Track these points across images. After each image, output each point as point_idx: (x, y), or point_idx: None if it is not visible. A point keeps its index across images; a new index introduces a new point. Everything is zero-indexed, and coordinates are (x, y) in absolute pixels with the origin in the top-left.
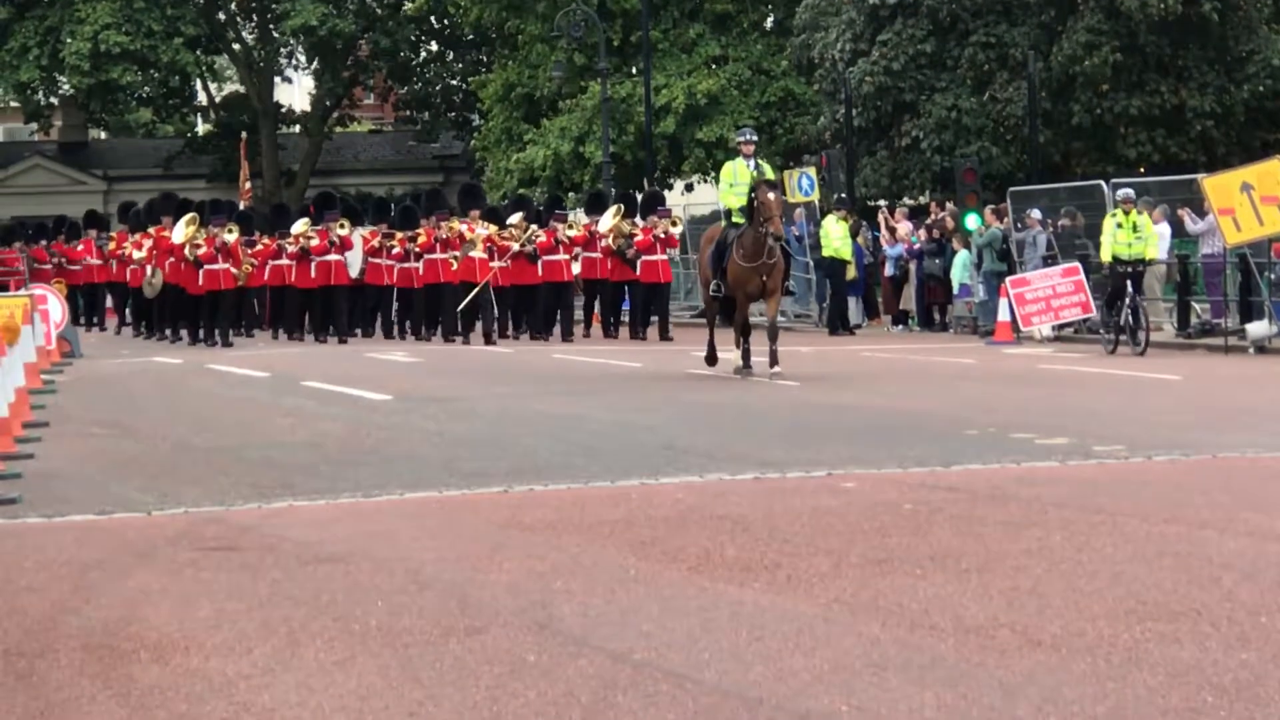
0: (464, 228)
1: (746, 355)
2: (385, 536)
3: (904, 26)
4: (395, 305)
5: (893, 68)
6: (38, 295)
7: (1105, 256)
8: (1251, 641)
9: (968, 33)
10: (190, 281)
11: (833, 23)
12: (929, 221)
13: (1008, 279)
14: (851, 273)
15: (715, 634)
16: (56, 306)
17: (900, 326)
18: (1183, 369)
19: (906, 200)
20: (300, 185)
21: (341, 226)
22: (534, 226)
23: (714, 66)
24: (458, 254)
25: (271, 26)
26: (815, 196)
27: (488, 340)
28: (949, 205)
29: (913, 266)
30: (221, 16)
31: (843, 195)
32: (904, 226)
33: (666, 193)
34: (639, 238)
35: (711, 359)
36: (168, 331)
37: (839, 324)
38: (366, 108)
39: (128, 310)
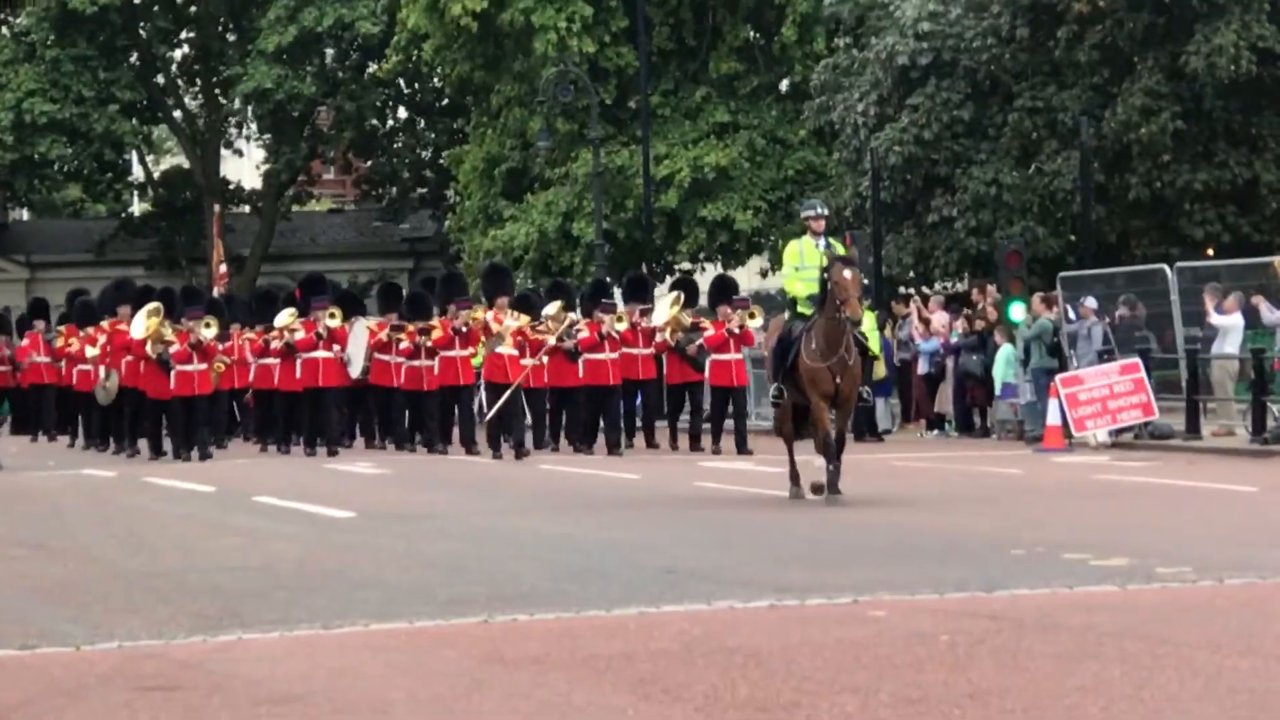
0: (488, 318)
1: (833, 479)
2: (348, 674)
3: (937, 89)
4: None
5: (924, 136)
6: None
7: None
8: None
9: (1011, 96)
10: (153, 384)
11: (855, 83)
12: (969, 312)
13: (1058, 377)
14: (880, 370)
15: None
16: None
17: (936, 432)
18: (1258, 479)
19: (941, 287)
20: (250, 272)
21: (331, 316)
22: (574, 317)
23: (721, 135)
24: (479, 350)
25: (218, 92)
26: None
27: (519, 453)
28: (991, 291)
29: (949, 363)
30: (161, 80)
31: (866, 283)
32: (939, 317)
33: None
34: (709, 332)
35: (795, 481)
36: (127, 444)
37: (866, 429)
38: (326, 183)
39: (79, 419)
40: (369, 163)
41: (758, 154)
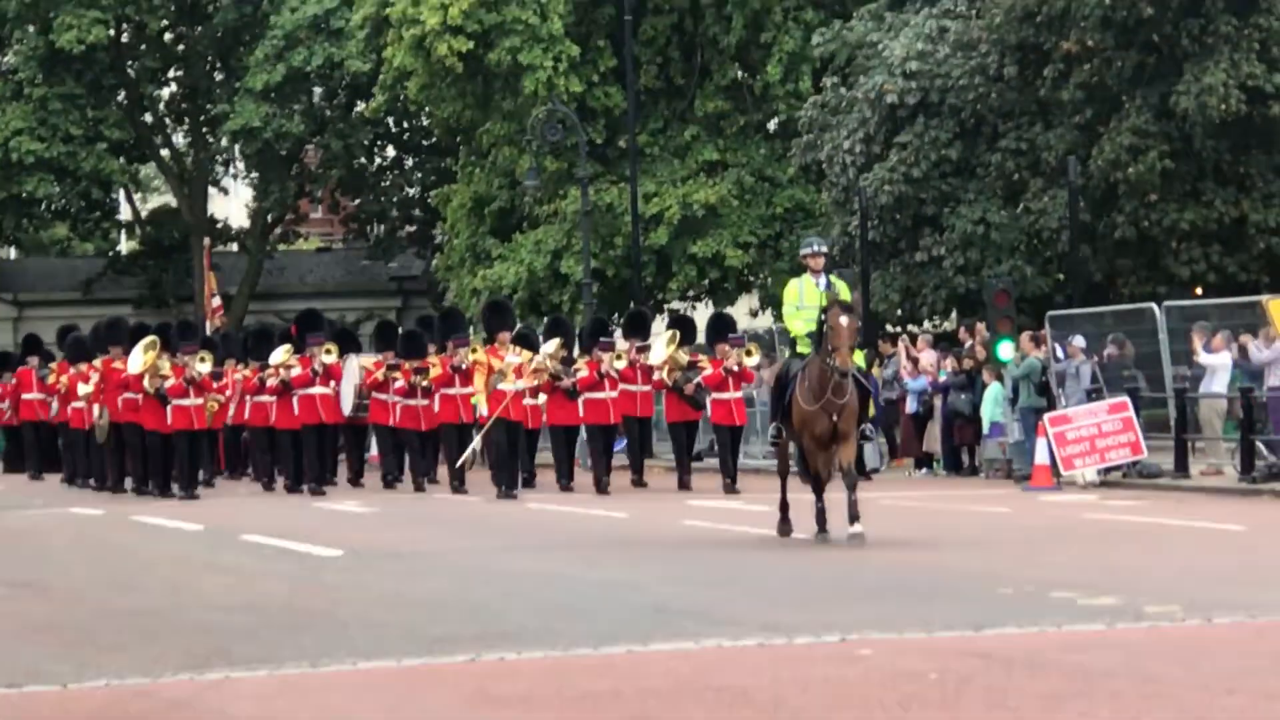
0: (482, 355)
1: (821, 517)
2: (336, 712)
3: (925, 128)
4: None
5: (913, 175)
6: None
7: None
8: None
9: (996, 135)
10: (150, 418)
11: (843, 122)
12: (957, 350)
13: (1046, 416)
14: (869, 409)
15: None
16: None
17: (924, 470)
18: (1247, 518)
19: (929, 325)
20: (237, 311)
21: (328, 353)
22: (574, 356)
23: (710, 173)
24: (482, 390)
25: (206, 130)
26: None
27: (508, 493)
28: (981, 330)
29: (937, 402)
30: (149, 119)
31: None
32: (927, 356)
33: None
34: (707, 371)
35: (785, 524)
36: (112, 481)
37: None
38: (314, 222)
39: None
40: (357, 201)
41: (746, 191)
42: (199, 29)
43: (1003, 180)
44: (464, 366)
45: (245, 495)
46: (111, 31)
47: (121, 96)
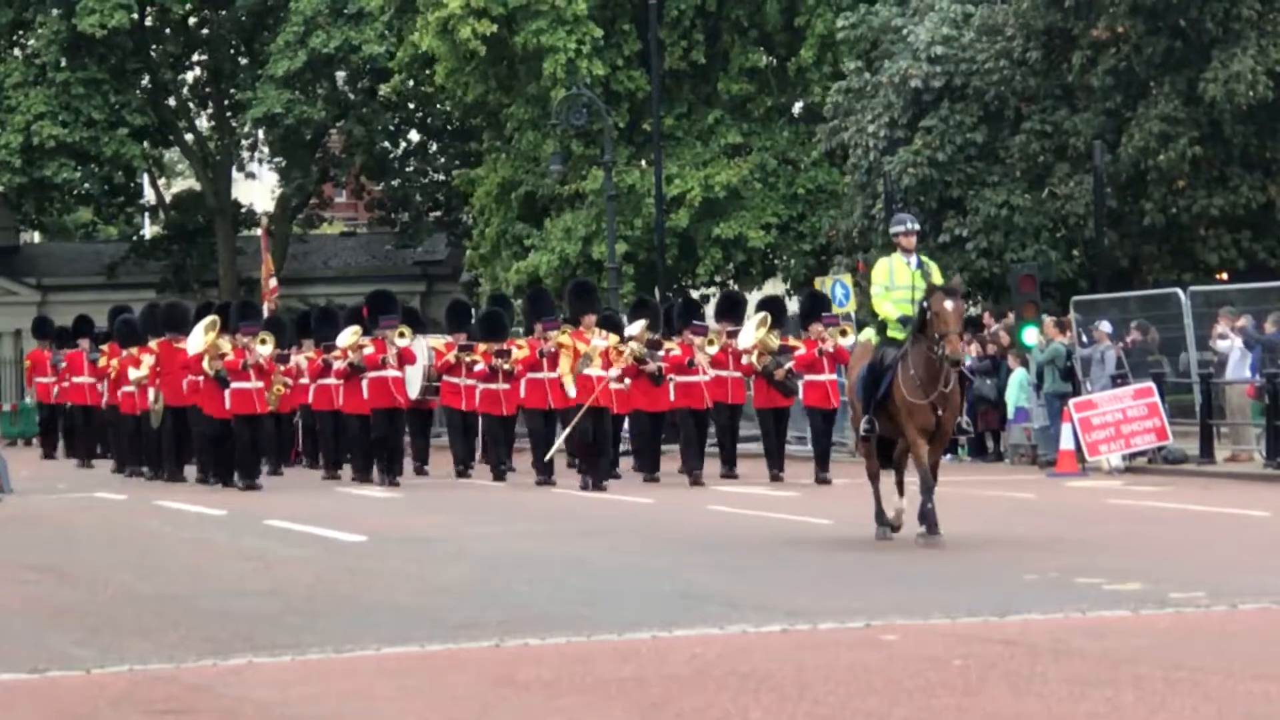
0: (568, 338)
1: (929, 516)
2: (359, 698)
3: (950, 112)
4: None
5: (938, 158)
6: None
7: None
8: None
9: (1020, 119)
10: (208, 402)
11: (868, 106)
12: (982, 335)
13: (1071, 401)
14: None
15: None
16: None
17: (949, 455)
18: (1272, 504)
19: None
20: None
21: (401, 335)
22: (659, 338)
23: (734, 156)
24: (568, 373)
25: (229, 115)
26: (851, 307)
27: (599, 480)
28: (1007, 316)
29: None
30: (172, 103)
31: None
32: None
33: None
34: (800, 351)
35: (882, 521)
36: (170, 469)
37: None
38: (338, 207)
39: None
40: (380, 186)
41: (769, 174)
42: (222, 13)
43: (1026, 163)
44: (552, 350)
45: (311, 485)
46: (135, 16)
47: (145, 81)
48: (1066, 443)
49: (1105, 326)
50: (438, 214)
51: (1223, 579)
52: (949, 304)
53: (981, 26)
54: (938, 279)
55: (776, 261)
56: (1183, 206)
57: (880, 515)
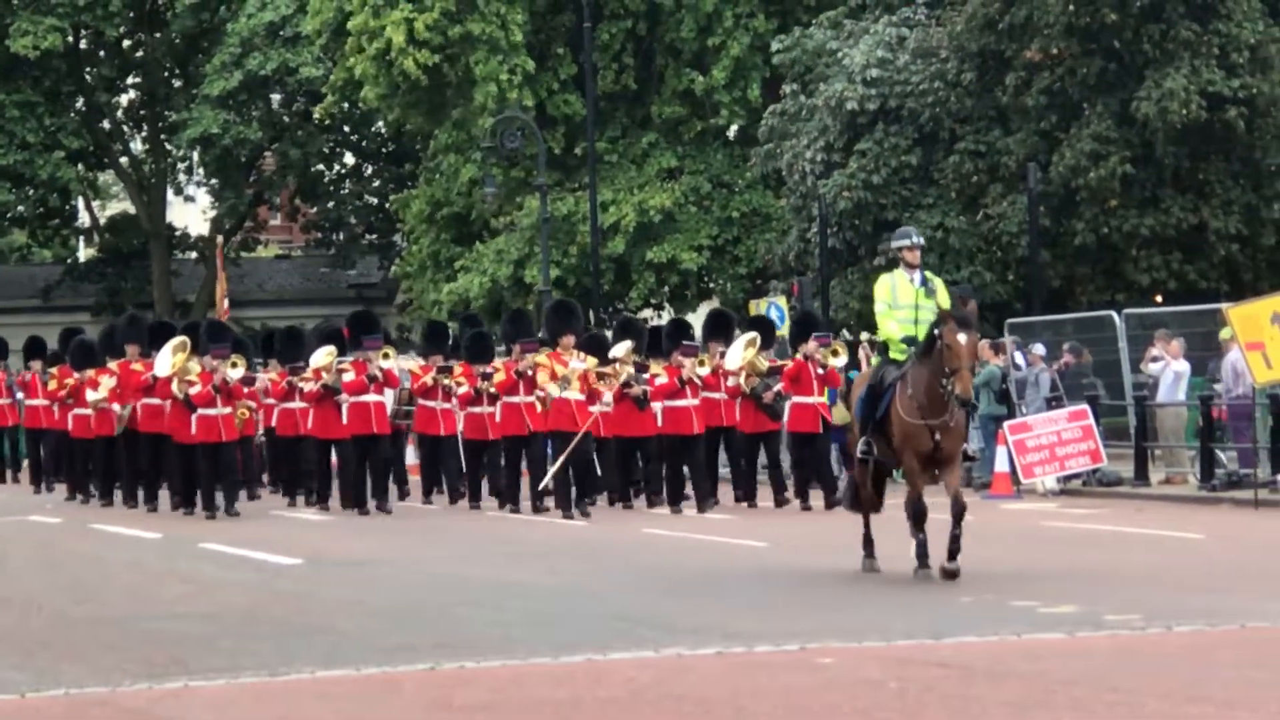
0: (545, 359)
1: (923, 549)
2: None
3: (885, 134)
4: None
5: (873, 181)
6: None
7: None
8: None
9: (954, 139)
10: (180, 428)
11: (803, 130)
12: None
13: (1006, 424)
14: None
15: None
16: None
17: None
18: (1207, 526)
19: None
20: (196, 318)
21: (385, 357)
22: (644, 361)
23: (668, 180)
24: (544, 395)
25: (164, 137)
26: (785, 329)
27: (575, 509)
28: None
29: None
30: (107, 126)
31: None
32: None
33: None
34: (789, 368)
35: (871, 558)
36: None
37: (813, 476)
38: (273, 230)
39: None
40: (315, 208)
41: (703, 197)
42: (156, 36)
43: (960, 183)
44: (529, 372)
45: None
46: (69, 38)
47: (79, 104)
48: (1001, 465)
49: (1039, 349)
50: (372, 237)
51: (1158, 601)
52: (962, 337)
53: (916, 49)
54: (944, 298)
55: (712, 285)
56: (1114, 226)
57: (868, 545)
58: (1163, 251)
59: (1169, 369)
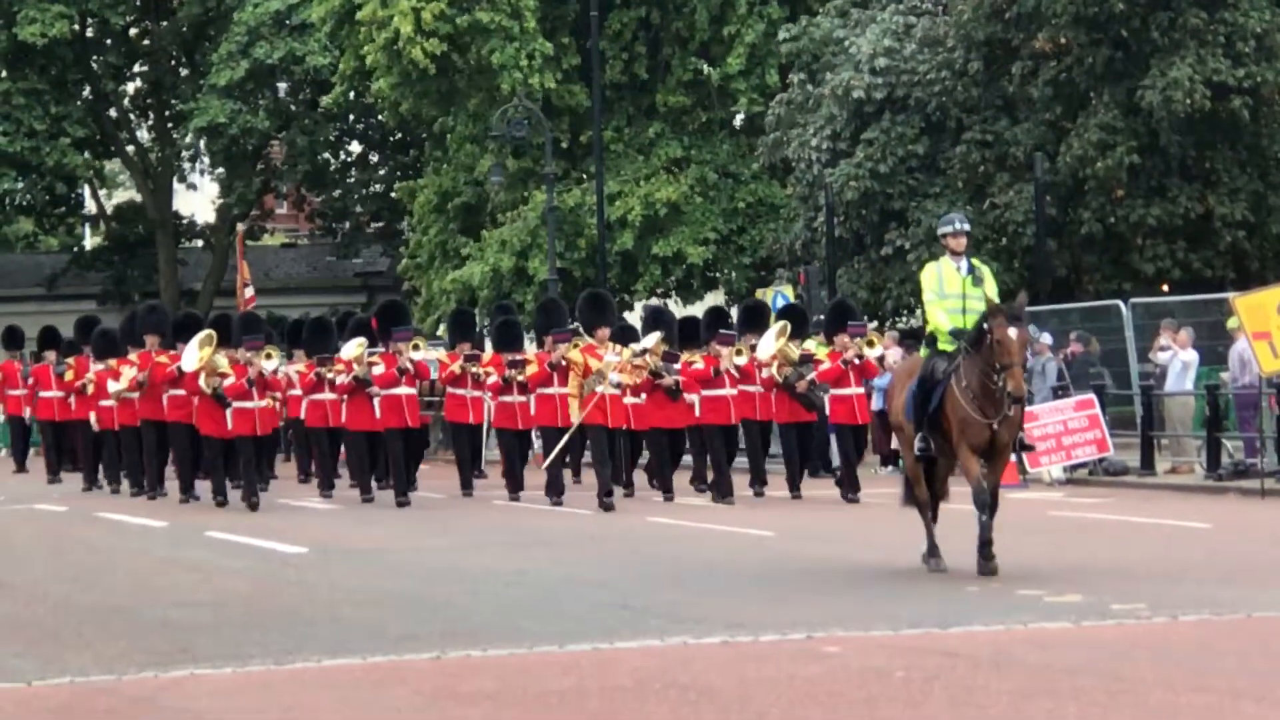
0: (578, 354)
1: (935, 548)
2: (300, 710)
3: (892, 123)
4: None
5: (879, 170)
6: None
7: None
8: None
9: (961, 129)
10: (207, 421)
11: (810, 119)
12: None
13: None
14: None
15: None
16: None
17: (889, 468)
18: (1213, 515)
19: (894, 321)
20: (203, 307)
21: (415, 348)
22: (675, 351)
23: (675, 170)
24: (578, 388)
25: (171, 126)
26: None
27: (605, 499)
28: None
29: None
30: (113, 114)
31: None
32: (893, 353)
33: (627, 314)
34: (824, 365)
35: (935, 552)
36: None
37: (819, 465)
38: (280, 218)
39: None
40: (321, 197)
41: (710, 188)
42: (163, 25)
43: (967, 172)
44: (562, 364)
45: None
46: (75, 26)
47: (86, 92)
48: None
49: (1046, 338)
50: (378, 225)
51: (1163, 591)
52: (1013, 332)
53: (923, 38)
54: (991, 287)
55: (717, 275)
56: (1121, 216)
57: (933, 547)
58: (1169, 241)
59: (1177, 358)
